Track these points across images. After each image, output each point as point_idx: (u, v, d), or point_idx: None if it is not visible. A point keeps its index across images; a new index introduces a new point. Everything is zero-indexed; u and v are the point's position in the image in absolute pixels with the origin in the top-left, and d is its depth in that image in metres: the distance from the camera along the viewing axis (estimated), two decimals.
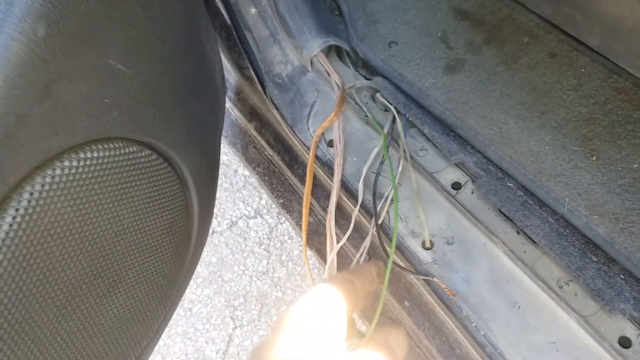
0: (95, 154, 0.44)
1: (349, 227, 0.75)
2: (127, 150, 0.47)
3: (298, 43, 0.83)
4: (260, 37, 0.83)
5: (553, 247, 0.65)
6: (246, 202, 1.71)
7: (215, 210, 1.74)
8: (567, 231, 0.67)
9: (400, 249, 0.72)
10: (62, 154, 0.42)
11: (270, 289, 1.59)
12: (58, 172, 0.41)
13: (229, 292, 1.62)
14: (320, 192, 0.85)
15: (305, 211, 0.85)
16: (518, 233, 0.68)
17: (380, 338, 0.49)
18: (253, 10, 0.81)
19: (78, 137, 0.42)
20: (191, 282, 1.63)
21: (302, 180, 0.85)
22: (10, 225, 0.39)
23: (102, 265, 0.50)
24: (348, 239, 0.75)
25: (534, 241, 0.67)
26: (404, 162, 0.76)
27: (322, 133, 0.82)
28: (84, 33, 0.40)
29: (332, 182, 0.79)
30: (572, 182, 0.70)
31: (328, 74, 0.84)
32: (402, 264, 0.72)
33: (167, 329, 1.56)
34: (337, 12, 0.93)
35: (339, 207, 0.80)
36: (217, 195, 1.90)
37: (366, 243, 0.73)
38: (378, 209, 0.73)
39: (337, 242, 0.77)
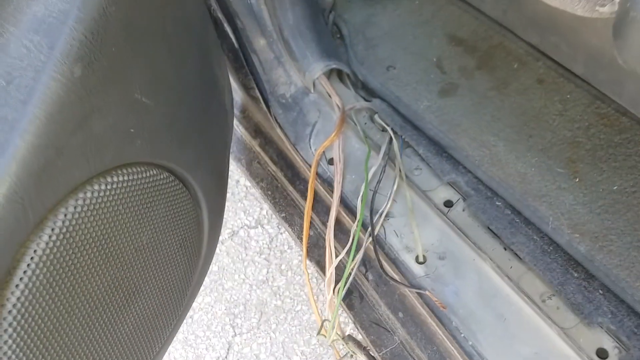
0: (120, 178, 0.49)
1: (347, 241, 0.79)
2: (148, 174, 0.52)
3: (301, 66, 0.89)
4: (266, 60, 0.89)
5: (537, 264, 0.70)
6: (247, 212, 1.76)
7: None
8: (551, 248, 0.72)
9: (395, 263, 0.77)
10: (92, 179, 0.47)
11: (270, 298, 1.63)
12: (89, 194, 0.46)
13: (229, 300, 1.66)
14: (320, 207, 0.90)
15: (306, 225, 0.89)
16: (505, 249, 0.73)
17: None
18: (260, 35, 0.86)
19: (106, 163, 0.47)
20: None
21: (304, 195, 0.90)
22: (47, 243, 0.44)
23: (122, 278, 0.54)
24: (349, 253, 0.80)
25: (519, 257, 0.72)
26: (400, 180, 0.81)
27: (323, 152, 0.87)
28: (114, 72, 0.45)
29: (332, 198, 0.84)
30: (556, 203, 0.75)
31: (329, 96, 0.89)
32: (397, 278, 0.77)
33: None
34: (339, 36, 0.99)
35: (338, 222, 0.85)
36: None
37: (360, 255, 0.77)
38: (374, 223, 0.78)
39: (336, 256, 0.82)
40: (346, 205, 0.83)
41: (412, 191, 0.81)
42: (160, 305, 0.61)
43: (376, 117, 0.87)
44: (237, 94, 1.00)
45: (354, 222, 0.80)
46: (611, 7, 0.47)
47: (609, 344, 0.65)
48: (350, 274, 0.78)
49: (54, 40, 0.41)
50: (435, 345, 0.76)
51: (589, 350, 0.65)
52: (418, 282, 0.74)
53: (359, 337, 0.90)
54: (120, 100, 0.46)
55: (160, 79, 0.51)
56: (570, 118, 0.82)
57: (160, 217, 0.56)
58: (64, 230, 0.45)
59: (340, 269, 0.82)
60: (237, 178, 1.80)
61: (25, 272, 0.43)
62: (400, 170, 0.82)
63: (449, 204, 0.79)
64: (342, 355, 0.94)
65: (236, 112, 1.01)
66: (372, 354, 0.84)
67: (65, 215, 0.45)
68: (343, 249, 0.80)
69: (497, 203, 0.76)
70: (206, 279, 1.72)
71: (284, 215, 0.99)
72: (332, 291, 0.82)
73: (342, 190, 0.84)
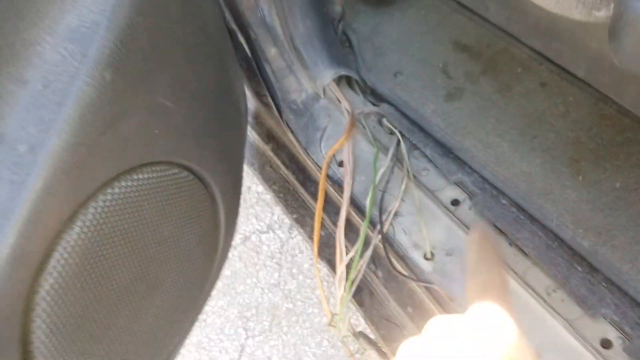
0: (145, 175, 0.53)
1: (357, 240, 0.82)
2: (169, 172, 0.56)
3: (312, 73, 0.92)
4: (278, 69, 0.93)
5: (542, 258, 0.73)
6: (259, 217, 1.80)
7: None
8: (555, 244, 0.74)
9: (404, 259, 0.80)
10: (119, 176, 0.50)
11: (282, 301, 1.66)
12: (117, 190, 0.50)
13: (241, 304, 1.69)
14: (331, 208, 0.93)
15: (317, 225, 0.93)
16: (511, 245, 0.76)
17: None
18: (272, 45, 0.90)
19: (132, 162, 0.51)
20: None
21: (315, 197, 0.93)
22: (78, 234, 0.48)
23: (145, 270, 0.58)
24: (357, 251, 0.83)
25: (525, 253, 0.74)
26: (408, 181, 0.84)
27: (334, 155, 0.91)
28: (141, 77, 0.49)
29: (342, 198, 0.87)
30: (560, 200, 0.78)
31: (339, 101, 0.93)
32: (405, 273, 0.80)
33: None
34: (348, 44, 1.03)
35: (348, 222, 0.88)
36: None
37: (369, 252, 0.80)
38: (383, 222, 0.81)
39: (347, 254, 0.85)
40: (356, 206, 0.86)
41: (420, 191, 0.84)
42: (179, 296, 0.64)
43: (384, 120, 0.91)
44: (250, 102, 1.04)
45: (363, 222, 0.83)
46: (607, 12, 0.50)
47: (612, 334, 0.67)
48: (359, 270, 0.81)
49: (86, 48, 0.45)
50: None
51: (593, 341, 0.67)
52: (426, 277, 0.77)
53: (371, 335, 0.92)
54: (146, 103, 0.50)
55: (181, 84, 0.55)
56: (573, 119, 0.85)
57: (180, 213, 0.59)
58: (94, 223, 0.49)
59: (351, 268, 0.84)
60: (249, 185, 1.84)
61: (59, 260, 0.47)
62: (408, 171, 0.84)
63: (455, 202, 0.81)
64: (353, 352, 0.97)
65: (249, 118, 1.05)
66: (383, 349, 0.86)
67: (95, 209, 0.49)
68: (352, 247, 0.83)
69: (502, 201, 0.79)
70: (219, 283, 1.75)
71: (295, 216, 1.02)
72: (342, 288, 0.85)
73: (351, 191, 0.87)
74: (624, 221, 0.74)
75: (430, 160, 0.85)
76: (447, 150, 0.85)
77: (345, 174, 0.88)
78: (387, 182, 0.85)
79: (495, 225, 0.77)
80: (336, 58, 0.92)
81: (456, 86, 0.93)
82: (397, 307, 0.83)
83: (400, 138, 0.87)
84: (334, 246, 0.89)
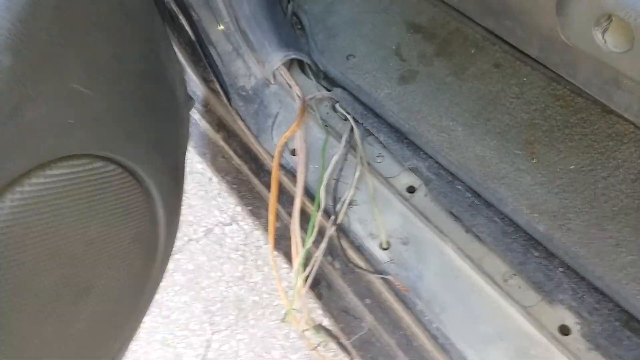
0: (61, 171, 0.48)
1: (313, 231, 0.79)
2: (92, 166, 0.51)
3: (260, 57, 0.88)
4: (223, 52, 0.88)
5: (498, 244, 0.71)
6: (221, 209, 1.75)
7: (191, 218, 1.77)
8: (511, 229, 0.73)
9: (360, 250, 0.77)
10: (30, 172, 0.45)
11: (247, 294, 1.62)
12: (27, 188, 0.45)
13: (206, 299, 1.65)
14: (285, 199, 0.90)
15: (271, 217, 0.89)
16: (467, 232, 0.74)
17: None
18: (216, 26, 0.85)
19: (44, 156, 0.46)
20: (169, 289, 1.65)
21: (269, 187, 0.90)
22: None
23: (72, 274, 0.53)
24: (310, 244, 0.79)
25: (481, 239, 0.72)
26: (362, 168, 0.81)
27: (286, 142, 0.87)
28: (47, 60, 0.44)
29: (296, 188, 0.83)
30: (515, 184, 0.76)
31: (290, 86, 0.89)
32: (362, 265, 0.77)
33: (145, 336, 1.57)
34: (299, 27, 0.98)
35: (303, 212, 0.84)
36: (193, 203, 1.91)
37: (324, 243, 0.77)
38: (337, 211, 0.78)
39: (303, 246, 0.81)
40: (310, 196, 0.83)
41: (374, 178, 0.81)
42: (116, 299, 0.59)
43: (337, 106, 0.87)
44: (198, 88, 0.99)
45: (317, 212, 0.80)
46: None
47: (570, 320, 0.65)
48: (314, 262, 0.78)
49: None
50: (402, 329, 0.76)
51: (551, 327, 0.65)
52: (383, 268, 0.75)
53: (331, 327, 0.90)
54: (55, 89, 0.45)
55: (100, 68, 0.50)
56: (527, 100, 0.83)
57: (109, 210, 0.54)
58: (3, 226, 0.44)
59: (306, 258, 0.81)
60: (210, 176, 1.79)
61: None
62: (361, 158, 0.81)
63: (411, 189, 0.79)
64: (315, 345, 0.94)
65: (198, 105, 1.00)
66: (342, 342, 0.84)
67: (3, 209, 0.44)
68: (309, 238, 0.80)
69: (457, 187, 0.77)
70: (182, 278, 1.70)
71: (251, 208, 0.98)
72: (299, 281, 0.81)
73: (305, 180, 0.83)
74: (578, 204, 0.72)
75: (384, 147, 0.82)
76: (401, 136, 0.83)
77: (298, 163, 0.84)
78: (341, 169, 0.82)
79: (451, 212, 0.75)
80: (285, 40, 0.88)
81: (410, 68, 0.90)
82: (355, 299, 0.80)
83: (353, 124, 0.84)
84: (290, 238, 0.85)
